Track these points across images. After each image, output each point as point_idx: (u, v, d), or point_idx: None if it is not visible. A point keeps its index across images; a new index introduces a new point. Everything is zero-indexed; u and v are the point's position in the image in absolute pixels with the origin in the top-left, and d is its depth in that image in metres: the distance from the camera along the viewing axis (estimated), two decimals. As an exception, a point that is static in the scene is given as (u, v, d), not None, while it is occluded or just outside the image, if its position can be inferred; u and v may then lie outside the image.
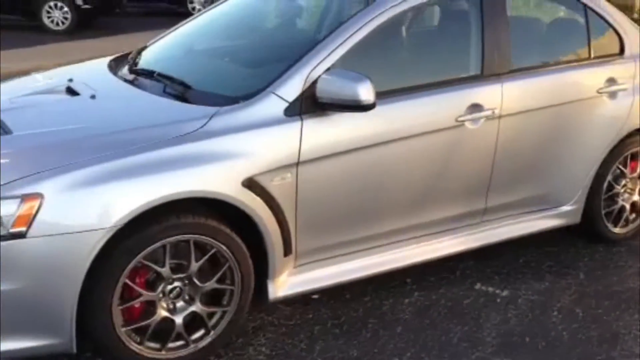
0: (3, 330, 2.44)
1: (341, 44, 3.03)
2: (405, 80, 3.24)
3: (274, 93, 2.90)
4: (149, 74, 3.34)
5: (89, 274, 2.50)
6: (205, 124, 2.74)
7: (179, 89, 3.09)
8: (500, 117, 3.43)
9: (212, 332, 2.86)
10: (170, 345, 2.79)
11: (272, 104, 2.87)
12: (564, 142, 3.71)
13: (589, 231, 4.13)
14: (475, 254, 3.82)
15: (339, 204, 3.08)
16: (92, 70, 3.64)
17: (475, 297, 3.52)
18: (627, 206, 4.14)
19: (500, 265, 3.86)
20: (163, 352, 2.77)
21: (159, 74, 3.29)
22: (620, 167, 4.04)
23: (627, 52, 3.98)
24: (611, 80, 3.84)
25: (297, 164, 2.88)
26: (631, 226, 4.23)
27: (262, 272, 2.96)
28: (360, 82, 2.82)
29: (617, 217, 4.14)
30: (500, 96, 3.42)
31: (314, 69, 2.94)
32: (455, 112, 3.29)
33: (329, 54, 2.99)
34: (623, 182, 4.08)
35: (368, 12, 3.14)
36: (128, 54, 3.83)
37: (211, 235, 2.73)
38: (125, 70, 3.49)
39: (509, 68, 3.49)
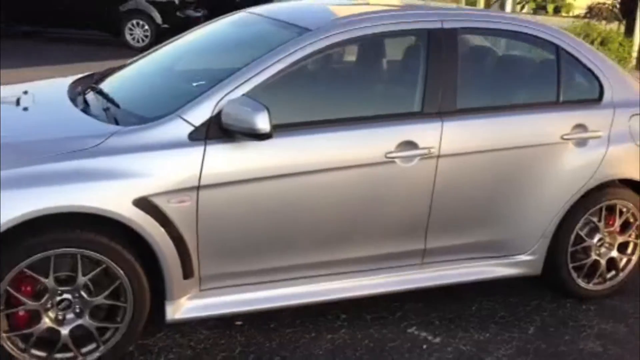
0: None
1: (257, 73, 2.98)
2: (329, 113, 3.14)
3: (180, 117, 2.89)
4: (94, 90, 3.43)
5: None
6: (102, 142, 2.77)
7: (105, 107, 3.15)
8: (438, 157, 3.25)
9: (102, 347, 2.86)
10: (57, 355, 2.82)
11: (177, 127, 2.86)
12: (516, 188, 3.45)
13: (556, 285, 3.82)
14: (427, 297, 3.65)
15: (246, 232, 3.01)
16: (56, 84, 3.77)
17: (402, 341, 3.32)
18: (602, 262, 3.80)
19: (449, 311, 3.64)
20: (49, 362, 2.81)
21: (99, 91, 3.37)
22: (593, 219, 3.72)
23: (605, 98, 3.67)
24: (580, 127, 3.55)
25: (198, 188, 2.85)
26: (609, 284, 3.87)
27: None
28: (257, 111, 2.77)
29: (589, 272, 3.81)
30: (439, 136, 3.25)
31: (225, 96, 2.91)
32: (385, 148, 3.15)
33: (242, 83, 2.95)
34: (597, 235, 3.75)
35: (290, 45, 3.08)
36: (101, 72, 3.94)
37: (101, 252, 2.74)
38: (81, 87, 3.59)
39: (454, 108, 3.31)
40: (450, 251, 3.47)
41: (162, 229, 2.81)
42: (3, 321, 2.70)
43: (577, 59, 3.63)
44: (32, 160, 2.68)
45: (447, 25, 3.36)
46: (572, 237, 3.67)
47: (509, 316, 3.64)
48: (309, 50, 3.08)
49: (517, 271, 3.64)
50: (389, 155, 3.15)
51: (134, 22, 12.85)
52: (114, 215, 2.71)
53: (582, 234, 3.71)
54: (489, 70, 3.69)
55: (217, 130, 2.88)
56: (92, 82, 3.64)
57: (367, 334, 3.38)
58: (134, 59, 3.97)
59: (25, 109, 3.23)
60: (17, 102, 3.33)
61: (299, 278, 3.22)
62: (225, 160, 2.89)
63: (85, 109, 3.19)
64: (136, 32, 12.90)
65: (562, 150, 3.52)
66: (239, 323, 3.38)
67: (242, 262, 3.07)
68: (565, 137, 3.52)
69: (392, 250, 3.36)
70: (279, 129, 2.96)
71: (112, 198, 2.70)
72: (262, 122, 2.76)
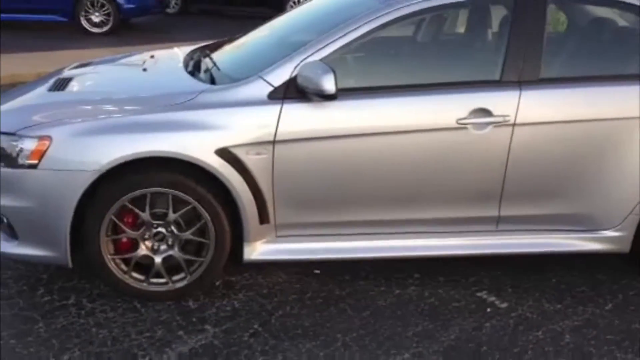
0: (18, 238, 3.13)
1: (335, 40, 3.18)
2: (405, 79, 3.26)
3: (262, 78, 3.17)
4: (206, 56, 3.81)
5: (85, 208, 3.07)
6: (193, 98, 3.14)
7: (207, 70, 3.51)
8: (514, 125, 3.23)
9: (188, 277, 3.26)
10: (152, 280, 3.26)
11: (259, 87, 3.15)
12: (599, 161, 3.32)
13: (650, 264, 3.63)
14: (505, 266, 3.69)
15: (318, 186, 3.23)
16: (180, 51, 4.21)
17: (467, 303, 3.39)
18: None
19: (526, 280, 3.62)
20: (145, 284, 3.26)
21: (209, 56, 3.74)
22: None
23: None
24: (679, 100, 3.32)
25: (274, 142, 3.12)
26: None
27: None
28: (324, 74, 2.97)
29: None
30: (517, 104, 3.22)
31: (303, 60, 3.14)
32: (456, 114, 3.20)
33: (320, 48, 3.17)
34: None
35: (369, 14, 3.22)
36: (220, 41, 4.34)
37: (187, 193, 3.12)
38: (198, 53, 4.00)
39: (537, 77, 3.26)
40: (526, 220, 3.44)
41: (241, 178, 3.13)
42: (110, 245, 3.19)
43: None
44: (136, 111, 3.12)
45: (535, -7, 3.31)
46: (666, 216, 3.47)
47: (589, 291, 3.54)
48: (388, 18, 3.22)
49: (601, 246, 3.50)
50: (460, 121, 3.21)
51: None
52: (197, 162, 3.07)
53: (677, 214, 3.48)
54: (579, 39, 3.56)
55: (293, 91, 3.13)
56: (208, 49, 4.05)
57: (435, 293, 3.48)
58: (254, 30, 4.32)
59: (145, 69, 3.70)
60: (143, 64, 3.82)
61: (371, 233, 3.40)
62: (300, 118, 3.14)
63: (192, 71, 3.59)
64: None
65: (658, 124, 3.32)
66: (317, 272, 3.64)
67: (315, 213, 3.31)
68: (660, 110, 3.32)
69: (465, 214, 3.41)
70: (352, 92, 3.17)
71: (197, 147, 3.06)
72: (328, 84, 2.97)
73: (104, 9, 11.37)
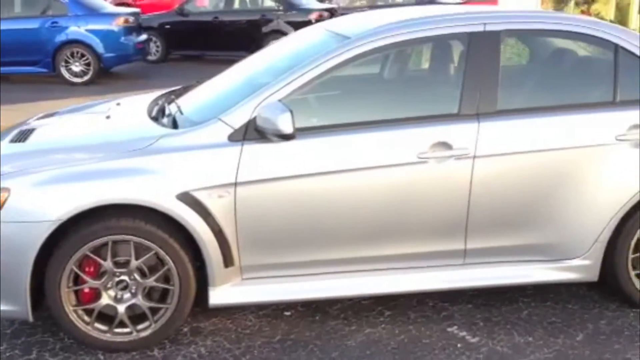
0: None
1: (293, 80, 3.12)
2: (364, 116, 3.19)
3: (221, 120, 3.10)
4: (170, 101, 3.74)
5: (46, 260, 2.95)
6: (153, 143, 3.05)
7: (171, 115, 3.43)
8: (474, 157, 3.17)
9: (153, 325, 3.13)
10: (116, 330, 3.12)
11: (218, 130, 3.08)
12: (563, 190, 3.26)
13: (617, 293, 3.53)
14: (478, 299, 3.61)
15: (282, 227, 3.14)
16: (145, 97, 4.14)
17: (438, 339, 3.27)
18: (670, 270, 3.46)
19: (498, 313, 3.51)
20: (108, 335, 3.11)
21: (173, 102, 3.67)
22: (657, 225, 3.40)
23: (673, 97, 3.36)
24: (638, 127, 3.28)
25: (235, 184, 3.03)
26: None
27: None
28: (281, 114, 2.90)
29: (653, 281, 3.48)
30: (475, 137, 3.16)
31: (263, 102, 3.07)
32: (417, 149, 3.13)
33: (279, 89, 3.11)
34: (662, 243, 3.43)
35: (326, 54, 3.17)
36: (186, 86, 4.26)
37: (150, 239, 3.01)
38: (163, 99, 3.92)
39: (494, 109, 3.21)
40: (492, 252, 3.35)
41: (203, 221, 3.03)
42: (71, 296, 3.06)
43: (637, 57, 3.36)
44: (95, 159, 3.02)
45: (489, 28, 3.28)
46: (632, 243, 3.39)
47: (560, 322, 3.43)
48: (344, 57, 3.17)
49: (569, 276, 3.41)
50: (421, 155, 3.14)
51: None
52: (157, 207, 2.97)
53: (644, 240, 3.41)
54: (535, 70, 3.53)
55: (253, 132, 3.05)
56: (174, 94, 3.97)
57: (405, 330, 3.36)
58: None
59: (108, 117, 3.61)
60: (107, 112, 3.74)
61: (338, 272, 3.29)
62: (260, 159, 3.06)
63: (156, 116, 3.51)
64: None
65: (617, 152, 3.27)
66: (287, 313, 3.52)
67: (281, 254, 3.20)
68: (620, 137, 3.27)
69: (431, 249, 3.32)
70: (313, 131, 3.10)
71: (157, 192, 2.97)
72: (285, 124, 2.90)
73: (83, 58, 11.34)
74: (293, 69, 3.16)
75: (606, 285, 3.56)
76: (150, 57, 14.36)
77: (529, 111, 3.28)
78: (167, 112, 3.54)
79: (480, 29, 3.27)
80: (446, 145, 3.15)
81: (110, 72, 12.25)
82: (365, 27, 3.35)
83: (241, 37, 13.71)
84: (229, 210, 3.06)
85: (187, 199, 2.98)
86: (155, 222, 3.02)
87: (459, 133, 3.17)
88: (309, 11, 13.96)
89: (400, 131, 3.15)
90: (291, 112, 2.91)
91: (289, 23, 13.51)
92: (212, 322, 3.42)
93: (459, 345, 3.22)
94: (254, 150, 3.05)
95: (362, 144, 3.12)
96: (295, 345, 3.23)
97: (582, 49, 3.55)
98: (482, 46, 3.24)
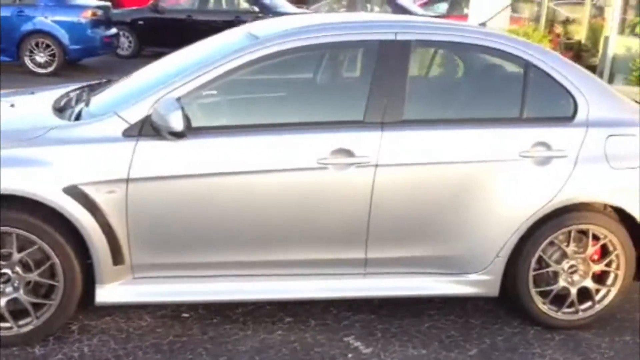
0: None
1: (194, 78, 3.04)
2: (265, 118, 3.12)
3: (117, 114, 3.00)
4: (81, 95, 3.64)
5: None
6: (42, 134, 2.95)
7: (74, 108, 3.33)
8: (376, 166, 3.10)
9: (35, 321, 3.02)
10: (-3, 324, 3.01)
11: (113, 124, 2.99)
12: (464, 204, 3.20)
13: (519, 309, 3.48)
14: (382, 310, 3.53)
15: (174, 227, 3.05)
16: (60, 91, 4.02)
17: (330, 348, 3.20)
18: (573, 290, 3.41)
19: (398, 325, 3.44)
20: (-13, 329, 3.00)
21: (84, 95, 3.57)
22: (560, 243, 3.36)
23: (579, 116, 3.31)
24: (543, 145, 3.24)
25: (127, 180, 2.94)
26: (582, 314, 3.45)
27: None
28: (171, 111, 2.82)
29: (558, 300, 3.43)
30: (378, 145, 3.10)
31: (162, 98, 2.98)
32: (317, 154, 3.06)
33: (179, 86, 3.02)
34: (566, 261, 3.38)
35: (231, 54, 3.10)
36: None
37: (33, 232, 2.91)
38: (79, 91, 3.81)
39: (399, 118, 3.15)
40: (393, 263, 3.29)
41: (91, 217, 2.93)
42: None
43: (548, 75, 3.32)
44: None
45: (400, 37, 3.23)
46: (534, 259, 3.34)
47: (458, 336, 3.37)
48: (248, 58, 3.10)
49: (469, 290, 3.36)
50: (321, 161, 3.07)
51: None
52: (42, 199, 2.86)
53: (547, 257, 3.36)
54: (445, 83, 3.49)
55: (149, 129, 2.96)
56: (90, 88, 3.87)
57: (302, 337, 3.28)
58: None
59: (12, 105, 3.51)
60: (13, 101, 3.63)
61: (235, 275, 3.21)
62: (154, 156, 2.97)
63: (61, 108, 3.40)
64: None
65: (520, 168, 3.22)
66: (185, 315, 3.42)
67: (174, 254, 3.11)
68: (524, 154, 3.22)
69: (332, 256, 3.25)
70: (211, 130, 3.02)
71: (43, 184, 2.87)
72: (176, 121, 2.82)
73: (48, 49, 11.17)
74: (195, 67, 3.08)
75: (509, 301, 3.52)
76: (122, 52, 14.19)
77: (435, 123, 3.22)
78: (72, 104, 3.44)
79: (391, 37, 3.22)
80: (348, 153, 3.09)
81: (79, 64, 12.09)
82: (277, 29, 3.28)
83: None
84: (119, 207, 2.96)
85: (74, 192, 2.88)
86: (41, 215, 2.92)
87: (362, 141, 3.11)
88: (284, 15, 13.93)
89: (300, 135, 3.08)
90: (183, 109, 2.82)
91: (263, 26, 13.44)
92: (105, 320, 3.32)
93: (349, 355, 3.14)
94: (148, 147, 2.96)
95: (260, 147, 3.04)
96: (184, 348, 3.14)
97: (494, 64, 3.50)
98: (391, 55, 3.19)
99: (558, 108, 3.35)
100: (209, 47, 3.62)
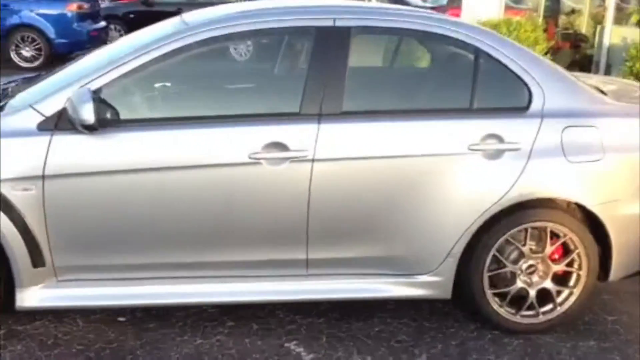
0: None
1: (115, 68, 2.84)
2: (191, 110, 2.92)
3: (32, 107, 2.81)
4: (16, 87, 3.44)
5: None
6: (-49, 128, 2.76)
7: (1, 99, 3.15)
8: (313, 160, 2.89)
9: (-45, 326, 2.85)
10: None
11: (28, 117, 2.79)
12: (409, 201, 2.99)
13: (475, 313, 3.27)
14: (331, 313, 3.33)
15: (96, 226, 2.86)
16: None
17: (269, 354, 3.00)
18: (532, 291, 3.19)
19: (346, 329, 3.23)
20: None
21: (19, 87, 3.38)
22: (516, 242, 3.14)
23: (534, 107, 3.08)
24: (493, 137, 3.01)
25: (43, 177, 2.75)
26: (543, 317, 3.23)
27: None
28: (85, 102, 2.62)
29: (516, 302, 3.22)
30: (315, 139, 2.89)
31: (80, 88, 2.78)
32: (248, 149, 2.86)
33: (98, 76, 2.82)
34: (523, 260, 3.16)
35: (155, 42, 2.90)
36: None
37: (-53, 233, 2.73)
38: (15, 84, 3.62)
39: (338, 110, 2.94)
40: (336, 264, 3.08)
41: (5, 216, 2.74)
42: None
43: (500, 63, 3.09)
44: None
45: (339, 24, 3.01)
46: (488, 259, 3.12)
47: (408, 341, 3.16)
48: (173, 46, 2.89)
49: (418, 292, 3.14)
50: (253, 156, 2.86)
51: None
52: (-48, 199, 2.68)
53: (503, 257, 3.15)
54: (389, 72, 3.26)
55: (66, 122, 2.76)
56: (30, 80, 3.67)
57: (241, 342, 3.08)
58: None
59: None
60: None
61: (168, 278, 3.02)
62: (70, 151, 2.78)
63: (-13, 99, 3.21)
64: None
65: (469, 162, 3.00)
66: (121, 319, 3.23)
67: (99, 255, 2.93)
68: (473, 147, 3.00)
69: (271, 257, 3.04)
70: (132, 123, 2.82)
71: (-47, 182, 2.68)
72: (87, 113, 2.62)
73: (34, 43, 11.01)
74: (115, 57, 2.89)
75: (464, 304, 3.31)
76: (112, 46, 13.99)
77: (378, 115, 3.00)
78: (2, 98, 3.25)
79: (329, 23, 3.00)
80: (282, 147, 2.88)
81: (67, 58, 11.92)
82: (208, 16, 3.07)
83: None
84: (36, 205, 2.77)
85: (-14, 190, 2.70)
86: (-46, 214, 2.75)
87: (297, 134, 2.90)
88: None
89: (230, 129, 2.87)
90: (95, 100, 2.62)
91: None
92: (34, 325, 3.13)
93: (289, 362, 2.96)
94: (64, 141, 2.76)
95: (185, 141, 2.84)
96: (113, 355, 2.95)
97: (442, 52, 3.27)
98: (329, 42, 2.96)
99: (511, 98, 3.12)
100: (141, 37, 3.42)
